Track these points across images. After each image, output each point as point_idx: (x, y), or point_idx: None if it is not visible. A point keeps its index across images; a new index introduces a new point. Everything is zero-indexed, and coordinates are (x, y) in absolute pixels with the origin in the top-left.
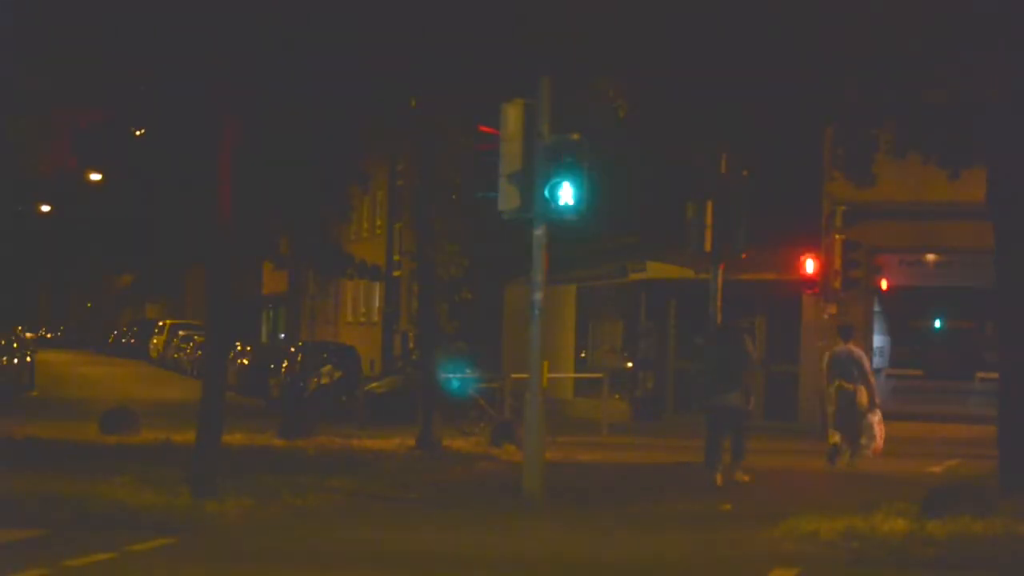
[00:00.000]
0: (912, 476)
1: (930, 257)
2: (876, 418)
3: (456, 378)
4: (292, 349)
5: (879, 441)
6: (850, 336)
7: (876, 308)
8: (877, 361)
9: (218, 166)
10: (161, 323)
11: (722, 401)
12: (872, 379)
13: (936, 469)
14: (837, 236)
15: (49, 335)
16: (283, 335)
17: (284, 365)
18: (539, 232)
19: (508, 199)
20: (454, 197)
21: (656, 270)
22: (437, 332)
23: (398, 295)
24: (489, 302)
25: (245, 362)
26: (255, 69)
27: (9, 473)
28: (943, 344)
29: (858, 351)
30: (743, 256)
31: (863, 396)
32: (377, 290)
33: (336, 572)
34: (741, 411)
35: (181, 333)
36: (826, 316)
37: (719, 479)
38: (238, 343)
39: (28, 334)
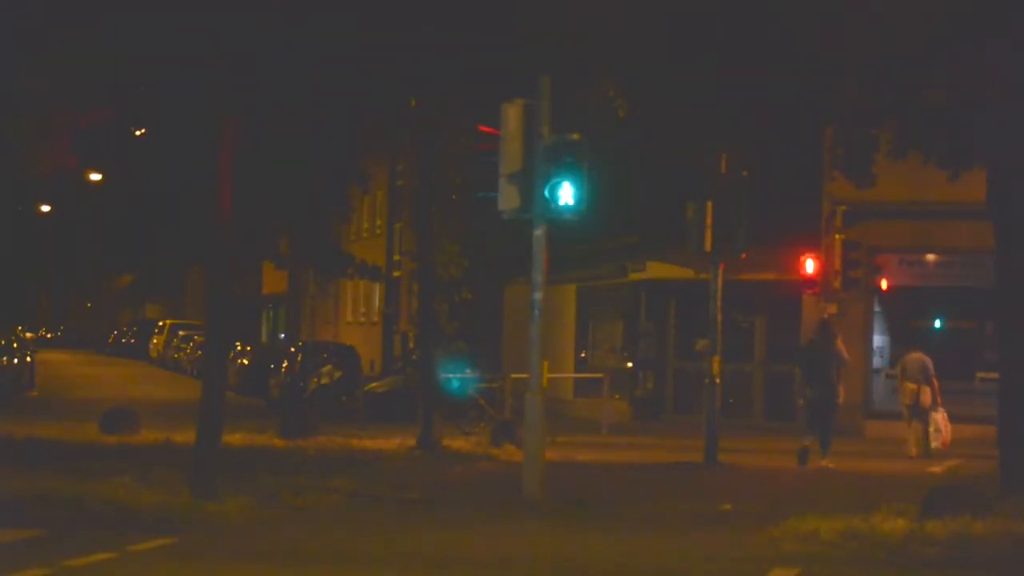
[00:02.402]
0: (912, 476)
1: (930, 257)
2: (940, 416)
3: (456, 378)
4: (292, 349)
5: (945, 435)
6: (918, 344)
7: (876, 308)
8: (877, 361)
9: (218, 166)
10: (161, 323)
11: (816, 394)
12: (936, 382)
13: (936, 469)
14: (837, 236)
15: (49, 335)
16: (283, 335)
17: (284, 365)
18: (539, 232)
19: (508, 199)
20: (454, 197)
21: (656, 270)
22: (437, 332)
23: (398, 295)
24: (489, 302)
25: (245, 362)
26: (255, 69)
27: (9, 473)
28: (943, 344)
29: (925, 357)
30: (743, 256)
31: (927, 396)
32: (377, 290)
33: (336, 572)
34: (832, 403)
35: (181, 333)
36: (826, 316)
37: (827, 463)
38: (238, 343)
39: (28, 334)
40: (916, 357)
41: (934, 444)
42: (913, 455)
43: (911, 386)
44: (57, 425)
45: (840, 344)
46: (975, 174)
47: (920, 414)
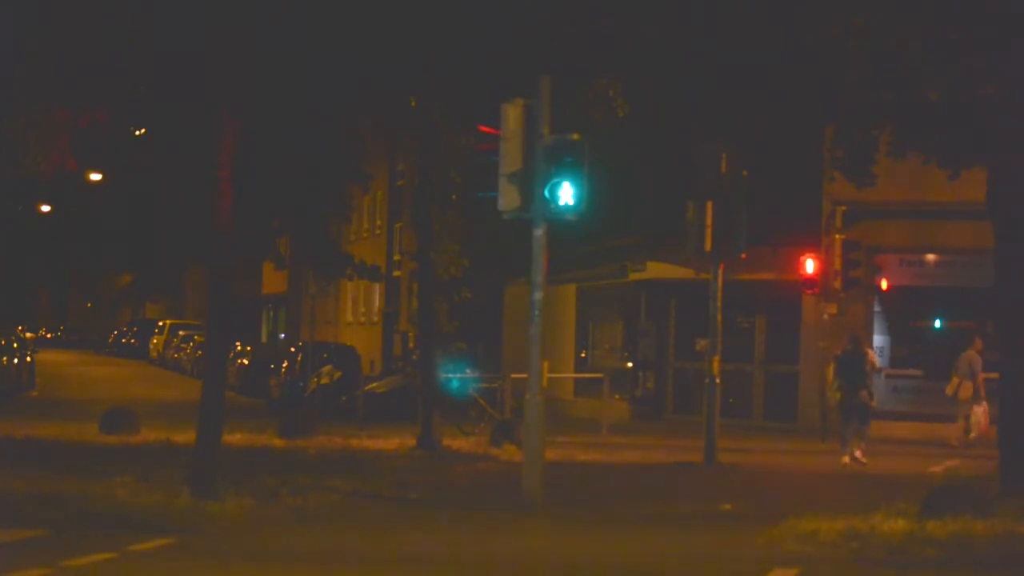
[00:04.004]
0: (912, 476)
1: (930, 257)
2: (981, 409)
3: (456, 378)
4: (292, 349)
5: (982, 427)
6: (971, 342)
7: (876, 308)
8: (877, 361)
9: (217, 166)
10: (161, 323)
11: (853, 398)
12: (980, 378)
13: (936, 469)
14: (837, 236)
15: (49, 335)
16: (283, 335)
17: (284, 365)
18: (539, 232)
19: (508, 199)
20: (454, 197)
21: (656, 270)
22: (437, 332)
23: (398, 295)
24: (489, 302)
25: (245, 362)
26: (255, 69)
27: (9, 473)
28: (943, 344)
29: (974, 355)
30: (743, 256)
31: (967, 390)
32: (377, 290)
33: (336, 572)
34: (866, 406)
35: (181, 333)
36: (826, 316)
37: (847, 460)
38: (238, 343)
39: (28, 334)
40: (966, 354)
41: (972, 435)
42: (954, 445)
43: (955, 380)
44: (57, 425)
45: (870, 352)
46: (975, 174)
47: (960, 407)
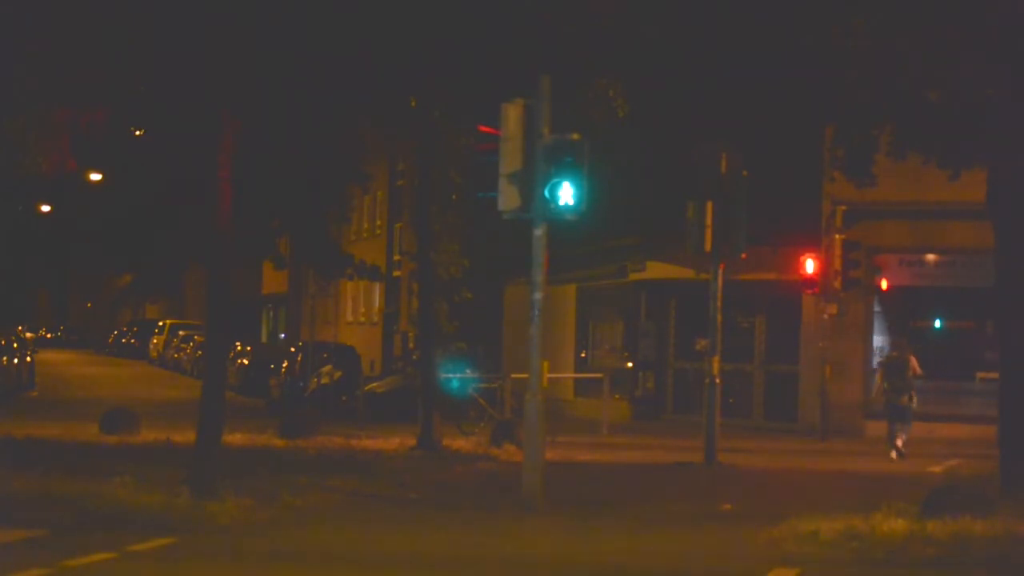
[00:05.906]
0: (912, 476)
1: (930, 257)
2: None
3: (456, 378)
4: (292, 349)
5: None
6: None
7: (876, 308)
8: (877, 361)
9: (218, 166)
10: (161, 323)
11: (896, 399)
12: None
13: (936, 469)
14: (837, 236)
15: (49, 335)
16: (283, 335)
17: (284, 365)
18: (539, 232)
19: (508, 199)
20: (454, 197)
21: (656, 270)
22: (437, 332)
23: (398, 295)
24: (489, 302)
25: (245, 362)
26: (255, 69)
27: (9, 473)
28: (943, 344)
29: None
30: (743, 256)
31: None
32: (377, 290)
33: (336, 572)
34: (908, 407)
35: (181, 333)
36: (826, 316)
37: (895, 455)
38: (238, 343)
39: (28, 334)
40: None
41: None
42: None
43: None
44: (57, 425)
45: (913, 359)
46: (975, 174)
47: None
